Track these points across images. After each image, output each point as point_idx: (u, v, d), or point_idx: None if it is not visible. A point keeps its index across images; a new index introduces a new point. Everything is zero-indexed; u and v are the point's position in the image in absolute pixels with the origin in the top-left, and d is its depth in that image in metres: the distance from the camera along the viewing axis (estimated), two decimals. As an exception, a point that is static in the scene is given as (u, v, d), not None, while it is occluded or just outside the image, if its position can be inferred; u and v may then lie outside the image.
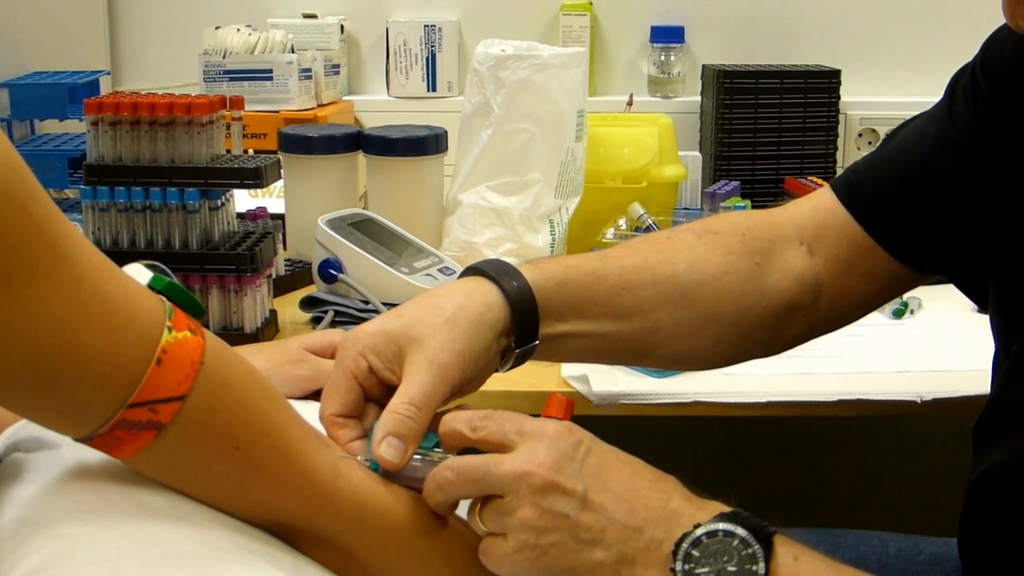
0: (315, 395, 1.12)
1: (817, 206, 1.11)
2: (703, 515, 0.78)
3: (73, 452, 0.75)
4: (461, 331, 0.87)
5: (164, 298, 0.72)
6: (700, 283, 1.03)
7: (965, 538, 1.08)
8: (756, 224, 1.10)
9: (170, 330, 0.69)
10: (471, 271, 0.94)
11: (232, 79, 2.03)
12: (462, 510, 0.84)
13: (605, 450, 0.81)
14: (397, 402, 0.83)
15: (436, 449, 0.85)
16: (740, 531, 0.76)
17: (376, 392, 0.87)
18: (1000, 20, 0.93)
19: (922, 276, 1.11)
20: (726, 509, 0.79)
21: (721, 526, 0.76)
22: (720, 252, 1.06)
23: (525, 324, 0.93)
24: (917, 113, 1.12)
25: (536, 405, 1.34)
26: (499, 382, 1.35)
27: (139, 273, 0.75)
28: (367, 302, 1.53)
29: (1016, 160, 1.00)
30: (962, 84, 1.07)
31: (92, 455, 0.73)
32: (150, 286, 0.73)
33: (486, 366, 0.91)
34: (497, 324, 0.90)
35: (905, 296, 1.59)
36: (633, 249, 1.05)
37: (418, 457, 0.82)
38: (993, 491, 1.01)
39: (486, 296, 0.91)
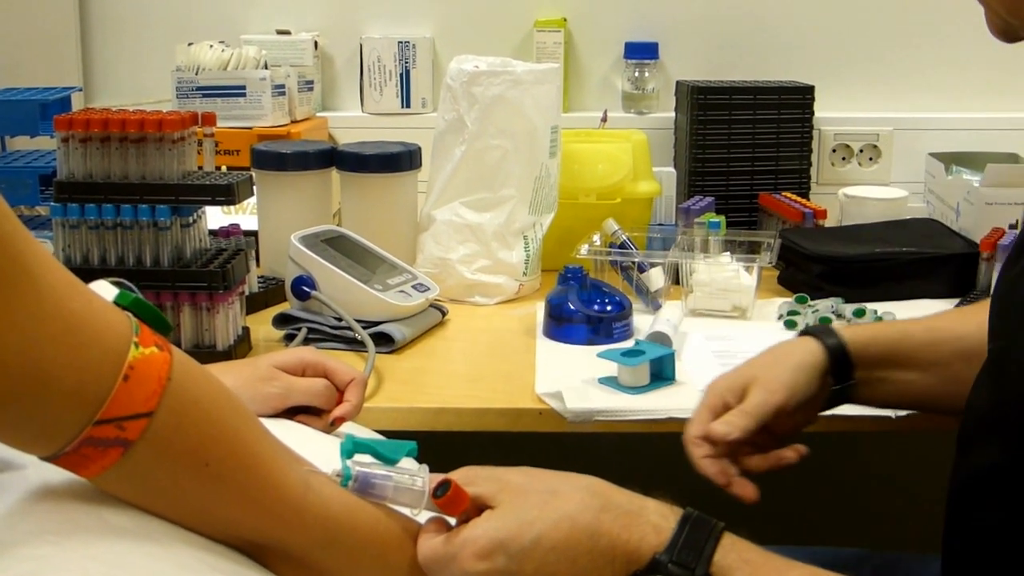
0: (285, 413, 1.11)
1: None
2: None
3: (38, 473, 0.74)
4: (790, 371, 1.16)
5: (130, 314, 0.71)
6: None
7: (949, 546, 1.08)
8: None
9: (137, 346, 0.69)
10: (803, 333, 1.23)
11: (205, 95, 2.02)
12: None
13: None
14: (736, 409, 1.12)
15: (407, 460, 0.85)
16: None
17: None
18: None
19: None
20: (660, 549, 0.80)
21: None
22: None
23: (840, 367, 1.19)
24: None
25: (510, 422, 1.35)
26: (475, 400, 1.36)
27: (105, 290, 0.75)
28: (340, 319, 1.52)
29: None
30: None
31: (57, 476, 0.72)
32: (116, 302, 0.72)
33: (813, 399, 1.17)
34: (819, 367, 1.18)
35: (880, 311, 1.60)
36: (937, 314, 1.28)
37: (388, 473, 0.82)
38: (973, 494, 1.01)
39: (810, 347, 1.19)
